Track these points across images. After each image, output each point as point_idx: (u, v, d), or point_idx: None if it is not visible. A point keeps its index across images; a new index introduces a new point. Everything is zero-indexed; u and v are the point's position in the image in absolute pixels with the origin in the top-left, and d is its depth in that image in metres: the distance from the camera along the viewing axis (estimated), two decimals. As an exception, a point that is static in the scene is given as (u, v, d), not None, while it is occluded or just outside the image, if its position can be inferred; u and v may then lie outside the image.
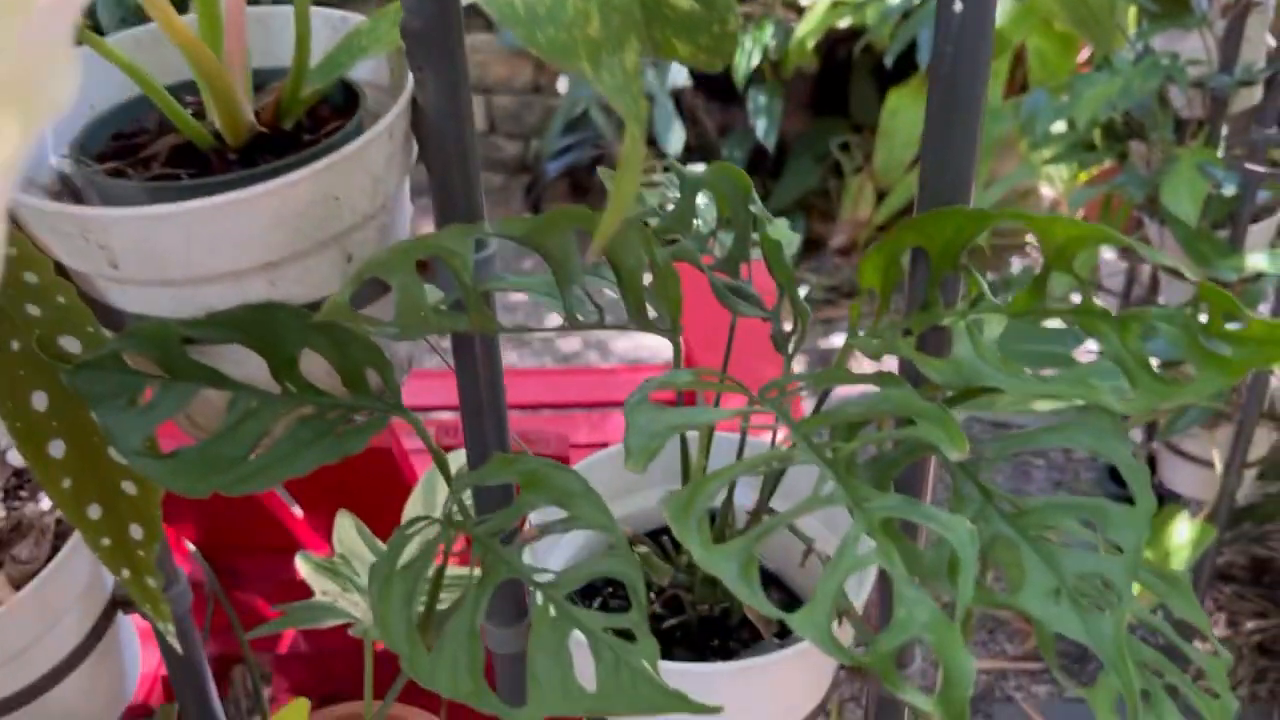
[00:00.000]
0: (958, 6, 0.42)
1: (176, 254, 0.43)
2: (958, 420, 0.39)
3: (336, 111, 0.52)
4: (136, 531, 0.52)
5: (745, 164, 2.65)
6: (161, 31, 0.45)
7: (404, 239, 0.51)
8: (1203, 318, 0.41)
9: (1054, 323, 0.46)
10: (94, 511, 0.51)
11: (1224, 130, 1.36)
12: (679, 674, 0.51)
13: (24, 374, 0.48)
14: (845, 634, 0.56)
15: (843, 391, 0.48)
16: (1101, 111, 1.32)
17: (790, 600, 0.63)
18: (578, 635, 0.42)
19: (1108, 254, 1.98)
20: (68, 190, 0.50)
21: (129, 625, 0.73)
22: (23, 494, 0.67)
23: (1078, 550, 0.39)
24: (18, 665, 0.61)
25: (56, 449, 0.49)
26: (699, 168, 0.57)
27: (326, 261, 0.47)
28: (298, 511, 1.14)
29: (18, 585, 0.60)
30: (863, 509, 0.38)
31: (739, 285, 0.56)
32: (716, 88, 2.65)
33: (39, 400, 0.48)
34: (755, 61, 2.44)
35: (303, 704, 0.56)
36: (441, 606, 0.54)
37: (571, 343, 2.48)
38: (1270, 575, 1.67)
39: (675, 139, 2.56)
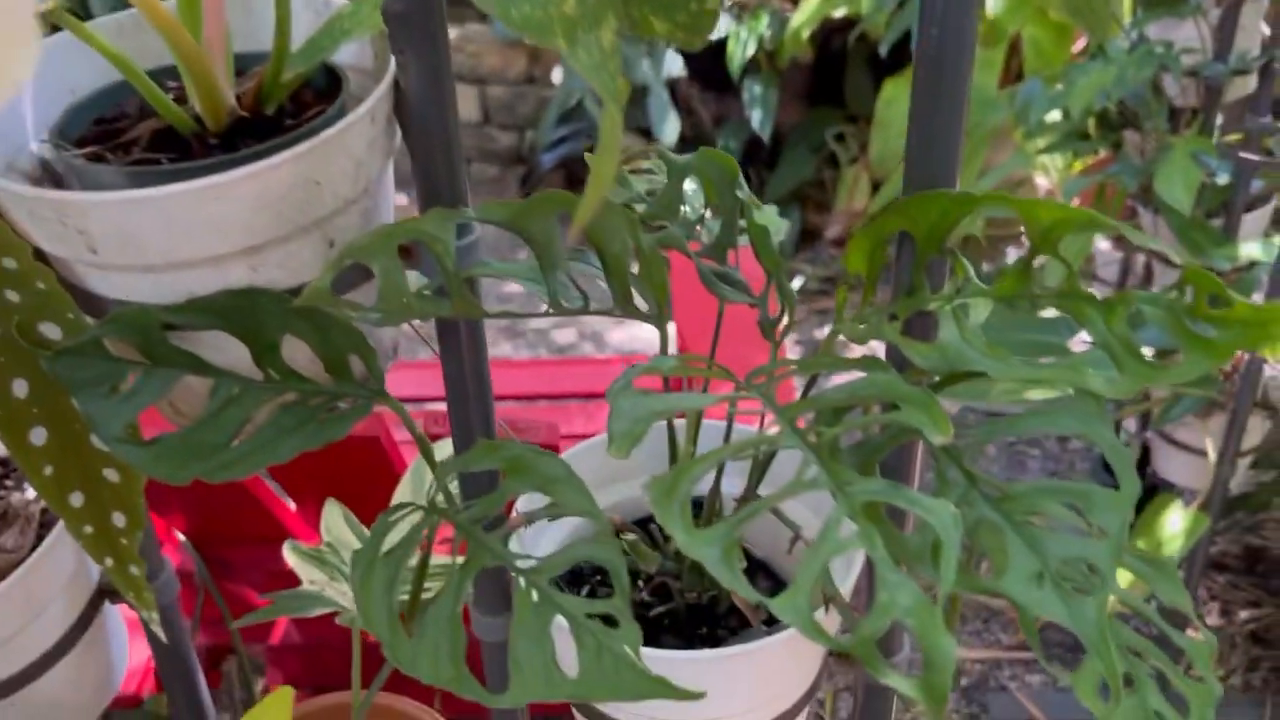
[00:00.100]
0: (942, -13, 0.41)
1: (156, 239, 0.43)
2: (944, 407, 0.39)
3: (319, 96, 0.51)
4: (119, 519, 0.52)
5: (740, 154, 2.64)
6: (143, 15, 0.45)
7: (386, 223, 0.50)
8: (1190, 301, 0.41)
9: (1049, 313, 0.46)
10: (76, 499, 0.50)
11: (1218, 119, 1.36)
12: (663, 661, 0.51)
13: (4, 361, 0.48)
14: (833, 622, 0.55)
15: (837, 379, 0.48)
16: (1096, 100, 1.31)
17: (778, 588, 0.63)
18: (561, 621, 0.42)
19: (1102, 244, 1.98)
20: (48, 176, 0.49)
21: (116, 615, 0.73)
22: (8, 483, 0.67)
23: (1062, 534, 0.38)
24: (2, 655, 0.61)
25: (38, 436, 0.49)
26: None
27: (308, 247, 0.47)
28: (290, 503, 1.14)
29: (2, 574, 0.60)
30: (845, 493, 0.37)
31: (725, 271, 0.56)
32: (712, 78, 2.64)
33: (19, 387, 0.48)
34: (750, 51, 2.43)
35: (286, 692, 0.56)
36: (428, 595, 0.54)
37: (567, 334, 2.47)
38: (1264, 564, 1.67)
39: (670, 129, 2.55)
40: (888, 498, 0.37)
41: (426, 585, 0.59)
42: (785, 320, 0.55)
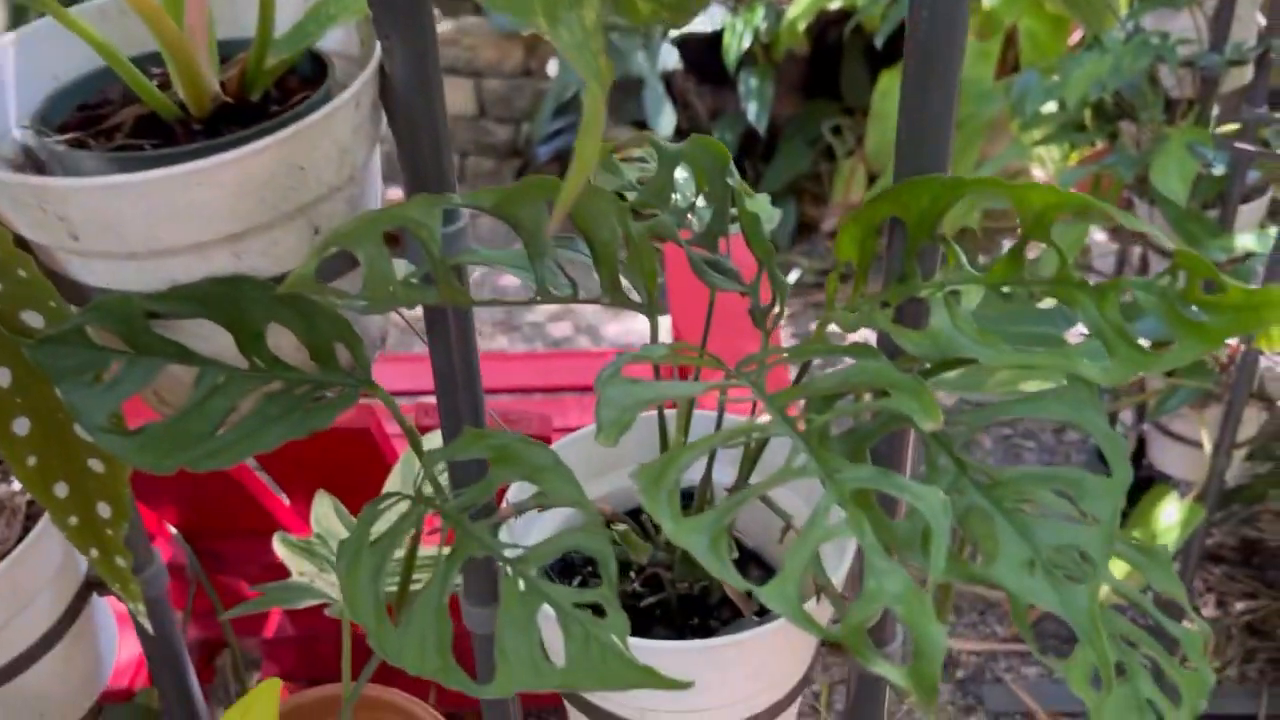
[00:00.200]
0: (933, -31, 0.41)
1: (137, 225, 0.43)
2: (939, 399, 0.39)
3: (305, 83, 0.51)
4: (104, 510, 0.51)
5: (736, 147, 2.63)
6: (126, 1, 0.44)
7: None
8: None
9: (1046, 304, 0.45)
10: (61, 490, 0.50)
11: (1214, 110, 1.35)
12: (651, 651, 0.50)
13: (-14, 349, 0.47)
14: (826, 612, 0.55)
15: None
16: (1091, 91, 1.31)
17: (770, 579, 0.63)
18: (549, 611, 0.41)
19: (1098, 236, 1.98)
20: (31, 163, 0.49)
21: (106, 609, 0.72)
22: (-5, 475, 0.66)
23: (1054, 521, 0.38)
24: (-11, 647, 0.61)
25: (21, 426, 0.48)
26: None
27: (293, 234, 0.46)
28: (284, 497, 1.13)
29: (-11, 566, 0.60)
30: (834, 480, 0.37)
31: (716, 259, 0.56)
32: (707, 71, 2.63)
33: (2, 377, 0.48)
34: (746, 44, 2.43)
35: (274, 684, 0.55)
36: (416, 587, 0.53)
37: (562, 328, 2.47)
38: (1260, 556, 1.67)
39: (666, 122, 2.54)
40: (877, 484, 0.37)
41: (415, 577, 0.59)
42: (777, 309, 0.55)
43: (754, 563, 0.64)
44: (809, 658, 0.58)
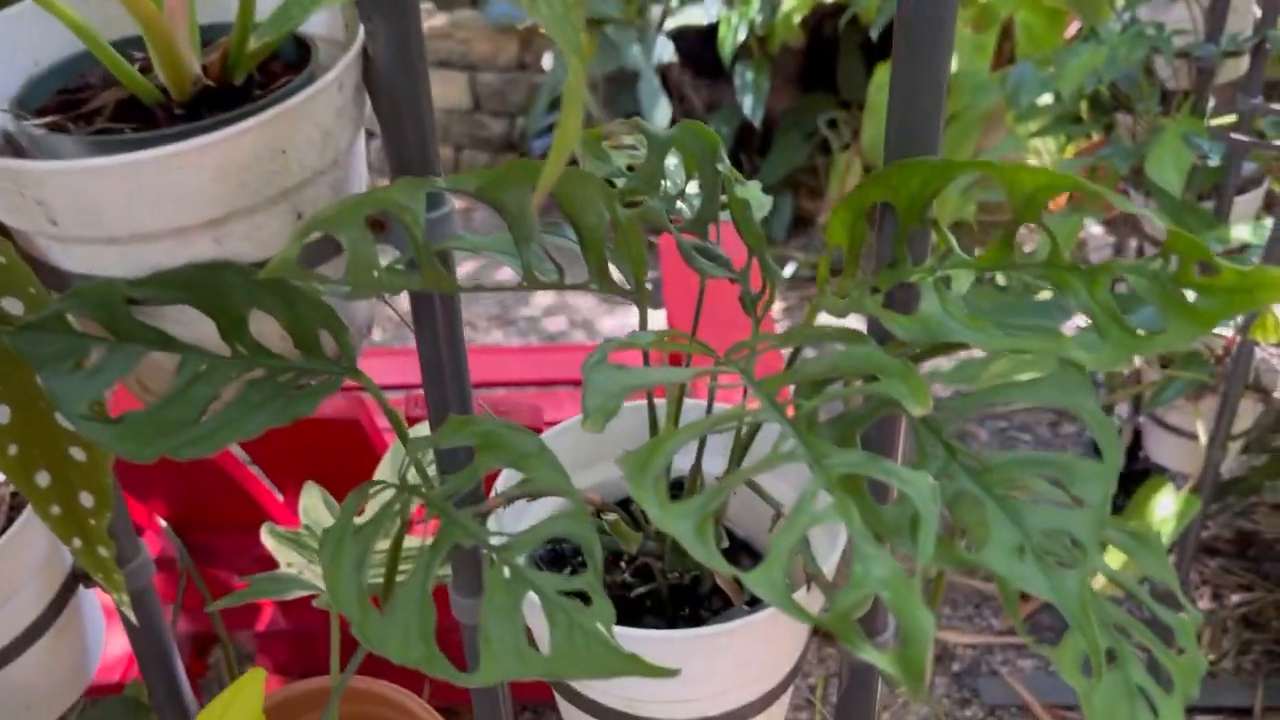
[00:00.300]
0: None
1: (117, 210, 0.42)
2: (933, 391, 0.38)
3: (289, 67, 0.50)
4: (87, 499, 0.51)
5: (732, 140, 2.63)
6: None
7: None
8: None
9: (1042, 297, 0.45)
10: (42, 479, 0.49)
11: (1210, 101, 1.35)
12: (638, 640, 0.50)
13: (-36, 337, 0.46)
14: (817, 600, 0.55)
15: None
16: (1087, 82, 1.30)
17: (762, 568, 0.62)
18: (536, 600, 0.41)
19: (1094, 229, 1.97)
20: (11, 148, 0.48)
21: (93, 601, 0.72)
22: (-21, 466, 0.66)
23: (1044, 506, 0.38)
24: (-27, 639, 0.60)
25: (1, 414, 0.48)
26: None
27: (276, 219, 0.46)
28: (277, 491, 1.13)
29: (-28, 558, 0.59)
30: (822, 465, 0.37)
31: (706, 246, 0.55)
32: (703, 64, 2.63)
33: (-19, 364, 0.47)
34: (742, 37, 2.42)
35: (258, 674, 0.55)
36: (402, 579, 0.53)
37: (557, 322, 2.46)
38: (1255, 548, 1.67)
39: (661, 115, 2.54)
40: (864, 469, 0.36)
41: (402, 568, 0.58)
42: (767, 296, 0.54)
43: (745, 552, 0.63)
44: (800, 647, 0.58)
